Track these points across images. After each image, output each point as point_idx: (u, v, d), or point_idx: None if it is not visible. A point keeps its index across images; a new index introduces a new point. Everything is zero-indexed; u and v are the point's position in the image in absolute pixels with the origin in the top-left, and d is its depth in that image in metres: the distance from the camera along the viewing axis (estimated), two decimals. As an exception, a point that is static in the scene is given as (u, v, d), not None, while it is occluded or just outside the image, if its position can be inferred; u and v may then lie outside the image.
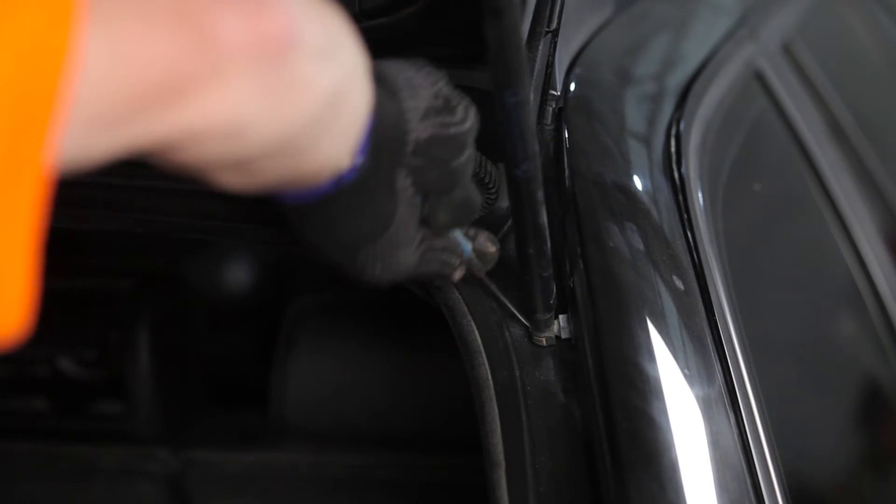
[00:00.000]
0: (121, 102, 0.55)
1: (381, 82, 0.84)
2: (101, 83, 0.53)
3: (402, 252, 0.94)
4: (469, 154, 0.91)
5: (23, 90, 0.50)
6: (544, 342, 1.01)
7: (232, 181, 0.69)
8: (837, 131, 1.84)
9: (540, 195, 0.91)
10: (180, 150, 0.60)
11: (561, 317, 1.01)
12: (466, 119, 0.90)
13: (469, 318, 1.05)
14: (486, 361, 1.02)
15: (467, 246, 1.02)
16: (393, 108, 0.84)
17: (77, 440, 1.82)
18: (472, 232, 1.04)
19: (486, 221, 1.11)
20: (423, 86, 0.87)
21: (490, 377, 1.01)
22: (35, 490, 1.83)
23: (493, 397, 0.99)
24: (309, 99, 0.66)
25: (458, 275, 1.02)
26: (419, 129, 0.86)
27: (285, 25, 0.62)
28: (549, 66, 1.06)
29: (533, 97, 1.05)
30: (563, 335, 1.01)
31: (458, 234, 1.00)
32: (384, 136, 0.82)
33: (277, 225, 1.07)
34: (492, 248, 1.03)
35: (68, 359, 1.81)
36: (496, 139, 0.88)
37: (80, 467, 1.82)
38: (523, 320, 1.03)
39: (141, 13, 0.55)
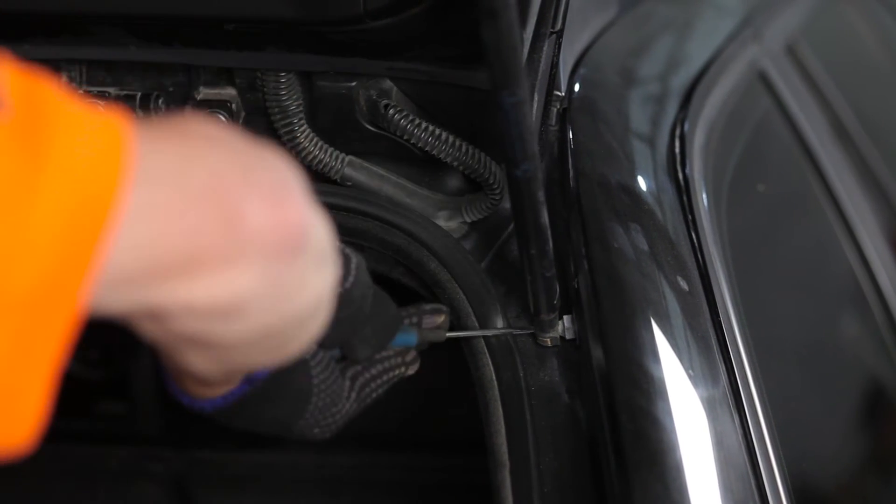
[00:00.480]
0: (143, 269, 0.57)
1: None
2: (133, 247, 0.55)
3: (335, 408, 1.00)
4: (357, 302, 0.91)
5: (67, 225, 0.52)
6: (549, 343, 1.01)
7: (200, 363, 0.70)
8: (841, 131, 1.84)
9: (541, 195, 0.91)
10: (172, 319, 0.61)
11: (565, 317, 1.02)
12: (348, 276, 0.90)
13: (473, 318, 1.05)
14: (490, 362, 1.02)
15: (412, 338, 1.04)
16: None
17: (81, 440, 1.82)
18: (413, 319, 1.06)
19: (489, 223, 1.11)
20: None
21: (494, 378, 1.01)
22: (39, 490, 1.83)
23: (498, 398, 0.99)
24: (304, 299, 0.68)
25: (412, 369, 1.05)
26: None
27: (302, 223, 0.64)
28: (554, 66, 1.06)
29: (537, 98, 1.05)
30: (568, 336, 1.01)
31: (397, 339, 1.02)
32: None
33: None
34: (440, 318, 1.06)
35: (72, 359, 1.81)
36: (498, 140, 0.88)
37: (84, 467, 1.82)
38: (527, 322, 1.03)
39: (180, 183, 0.57)
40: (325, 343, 0.91)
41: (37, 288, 0.51)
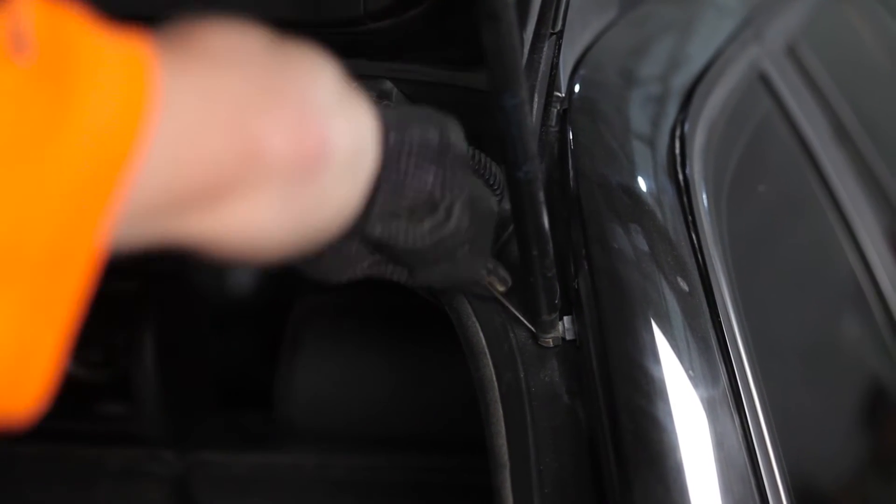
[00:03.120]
0: (163, 201, 0.57)
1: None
2: (157, 177, 0.56)
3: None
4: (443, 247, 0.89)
5: (92, 166, 0.52)
6: (549, 343, 1.01)
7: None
8: (842, 133, 1.84)
9: (541, 196, 0.91)
10: (191, 241, 0.62)
11: (566, 318, 1.02)
12: (426, 238, 0.87)
13: (474, 319, 1.05)
14: (490, 363, 1.02)
15: None
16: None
17: (82, 441, 1.82)
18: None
19: (491, 223, 1.11)
20: (411, 188, 0.85)
21: (495, 378, 1.01)
22: (40, 492, 1.83)
23: (498, 399, 0.99)
24: (326, 214, 0.68)
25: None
26: (372, 227, 0.84)
27: (324, 142, 0.64)
28: (554, 67, 1.06)
29: (537, 99, 1.05)
30: (568, 336, 1.01)
31: None
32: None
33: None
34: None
35: (73, 360, 1.81)
36: (498, 142, 0.88)
37: (85, 469, 1.82)
38: (527, 322, 1.03)
39: (201, 116, 0.58)
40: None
41: (57, 230, 0.51)
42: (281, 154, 0.60)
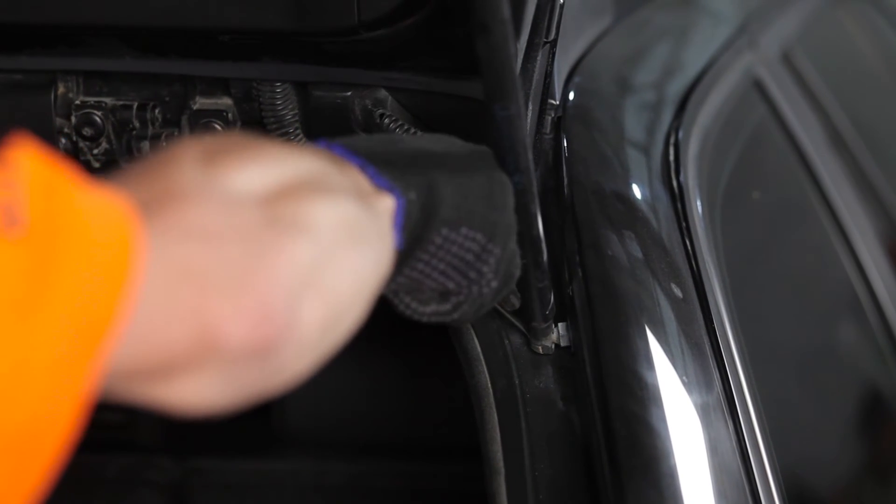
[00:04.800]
0: (122, 372, 0.59)
1: (401, 261, 0.84)
2: (118, 355, 0.57)
3: None
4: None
5: (72, 340, 0.54)
6: (544, 350, 1.02)
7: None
8: (836, 139, 1.84)
9: (534, 207, 0.92)
10: (134, 401, 0.63)
11: (560, 325, 1.02)
12: (428, 316, 0.91)
13: (469, 326, 1.05)
14: (485, 369, 1.02)
15: None
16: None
17: (80, 449, 1.82)
18: None
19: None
20: (428, 286, 0.88)
21: (490, 385, 1.01)
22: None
23: (493, 405, 1.00)
24: (283, 379, 0.69)
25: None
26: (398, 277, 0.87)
27: (285, 327, 0.64)
28: (548, 75, 1.07)
29: (532, 107, 1.05)
30: (563, 343, 1.02)
31: None
32: None
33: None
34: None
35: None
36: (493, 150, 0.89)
37: (84, 476, 1.82)
38: (522, 329, 1.04)
39: (169, 301, 0.59)
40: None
41: (38, 401, 0.53)
42: (237, 342, 0.61)
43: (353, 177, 0.78)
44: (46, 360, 0.53)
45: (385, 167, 0.80)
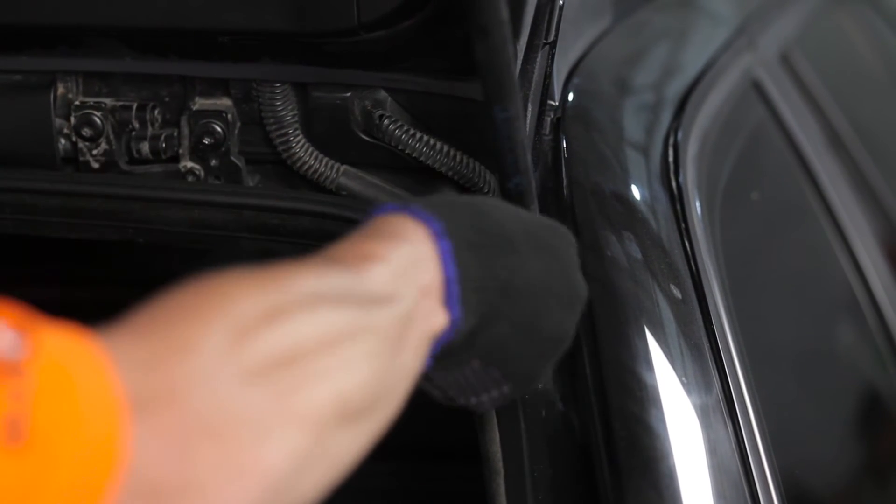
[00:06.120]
0: None
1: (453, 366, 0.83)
2: None
3: None
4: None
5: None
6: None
7: None
8: (835, 140, 1.84)
9: (533, 208, 0.92)
10: None
11: (560, 325, 1.02)
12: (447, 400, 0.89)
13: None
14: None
15: None
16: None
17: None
18: None
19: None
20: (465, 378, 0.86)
21: (489, 386, 1.01)
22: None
23: (492, 406, 1.00)
24: None
25: None
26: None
27: None
28: (548, 76, 1.07)
29: (531, 108, 1.05)
30: (562, 344, 1.02)
31: None
32: None
33: (276, 233, 1.08)
34: None
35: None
36: (491, 152, 0.89)
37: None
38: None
39: (144, 479, 0.58)
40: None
41: None
42: None
43: (413, 278, 0.74)
44: None
45: (468, 282, 0.77)
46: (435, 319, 0.76)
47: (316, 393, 0.66)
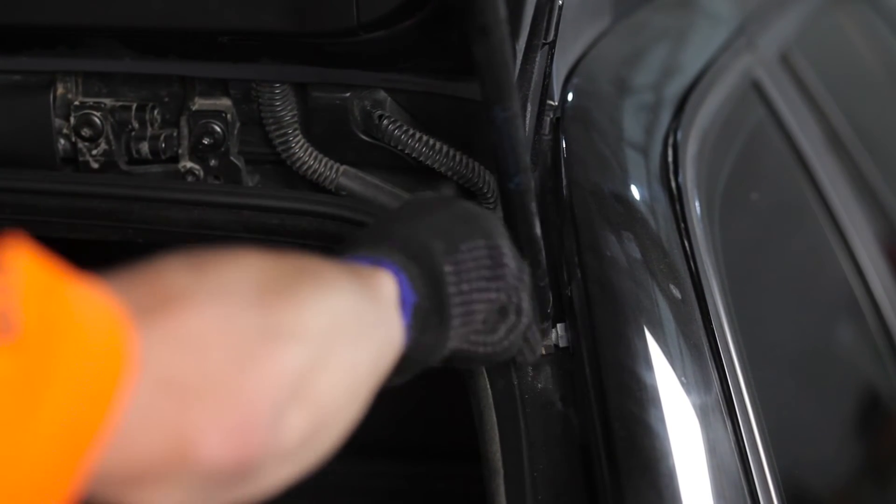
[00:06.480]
0: (99, 477, 0.59)
1: (438, 310, 0.83)
2: (99, 462, 0.58)
3: None
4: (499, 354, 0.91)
5: (63, 443, 0.55)
6: (542, 351, 1.02)
7: None
8: (835, 140, 1.84)
9: (533, 207, 0.92)
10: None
11: (559, 325, 1.02)
12: (504, 340, 0.90)
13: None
14: (484, 370, 1.03)
15: None
16: (431, 339, 0.84)
17: None
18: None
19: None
20: (480, 311, 0.87)
21: (489, 386, 1.01)
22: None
23: (492, 406, 1.00)
24: (267, 486, 0.70)
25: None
26: (448, 349, 0.86)
27: (264, 444, 0.64)
28: (547, 76, 1.07)
29: (531, 108, 1.05)
30: (561, 344, 1.02)
31: None
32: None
33: (275, 233, 1.08)
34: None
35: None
36: (491, 152, 0.89)
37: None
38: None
39: (154, 397, 0.59)
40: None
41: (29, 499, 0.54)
42: (213, 461, 0.62)
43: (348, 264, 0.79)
44: (35, 465, 0.54)
45: (371, 249, 0.81)
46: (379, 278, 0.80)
47: (317, 309, 0.70)
